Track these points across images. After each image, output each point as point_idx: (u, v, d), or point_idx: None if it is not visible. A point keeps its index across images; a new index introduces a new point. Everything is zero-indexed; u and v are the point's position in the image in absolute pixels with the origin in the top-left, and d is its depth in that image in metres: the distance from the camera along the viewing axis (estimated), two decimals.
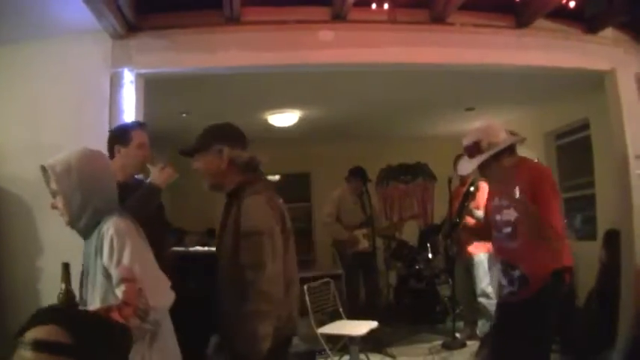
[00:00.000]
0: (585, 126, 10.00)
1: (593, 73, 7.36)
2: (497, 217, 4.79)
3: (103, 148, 4.91)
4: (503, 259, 4.82)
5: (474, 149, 4.80)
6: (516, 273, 4.66)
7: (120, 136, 4.80)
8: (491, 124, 5.01)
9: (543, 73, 7.40)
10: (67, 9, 5.54)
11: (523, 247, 4.66)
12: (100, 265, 3.31)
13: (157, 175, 4.45)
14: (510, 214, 4.66)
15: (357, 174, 9.67)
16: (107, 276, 3.29)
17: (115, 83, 6.01)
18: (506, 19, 7.03)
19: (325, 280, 8.44)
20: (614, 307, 7.25)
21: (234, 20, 6.39)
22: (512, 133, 4.99)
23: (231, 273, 3.63)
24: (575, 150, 10.65)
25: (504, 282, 4.81)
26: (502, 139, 4.79)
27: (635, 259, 7.00)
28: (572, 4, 6.15)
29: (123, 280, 3.16)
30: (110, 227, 3.31)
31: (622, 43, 7.38)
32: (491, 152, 4.70)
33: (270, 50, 6.54)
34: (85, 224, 3.42)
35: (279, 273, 3.66)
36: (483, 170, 4.87)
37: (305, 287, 7.84)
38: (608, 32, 7.31)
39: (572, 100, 9.70)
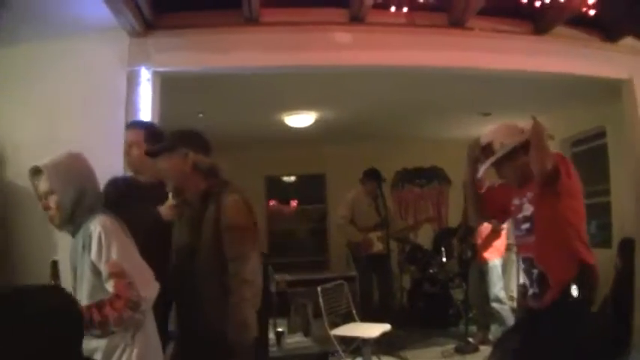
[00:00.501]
0: (602, 134, 9.98)
1: (610, 82, 7.35)
2: (519, 216, 4.66)
3: (117, 145, 4.94)
4: (525, 257, 4.66)
5: (487, 151, 4.74)
6: (535, 271, 4.43)
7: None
8: (507, 124, 4.94)
9: (560, 80, 7.39)
10: (85, 7, 5.58)
11: (540, 241, 4.47)
12: (88, 261, 3.40)
13: (165, 211, 4.41)
14: (528, 209, 4.54)
15: (372, 175, 9.64)
16: (95, 272, 3.38)
17: (132, 81, 6.02)
18: (524, 26, 7.03)
19: (339, 282, 8.44)
20: (629, 314, 7.24)
21: (252, 21, 6.41)
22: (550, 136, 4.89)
23: (214, 267, 3.81)
24: (591, 157, 10.61)
25: (527, 282, 4.63)
26: (516, 139, 4.63)
27: None
28: (591, 13, 6.15)
29: (113, 274, 3.29)
30: (97, 225, 3.41)
31: None
32: (501, 153, 4.61)
33: (287, 51, 6.56)
34: (77, 222, 3.51)
35: (258, 264, 3.93)
36: (500, 171, 4.81)
37: (319, 289, 7.85)
38: (627, 41, 7.30)
39: (588, 108, 9.67)
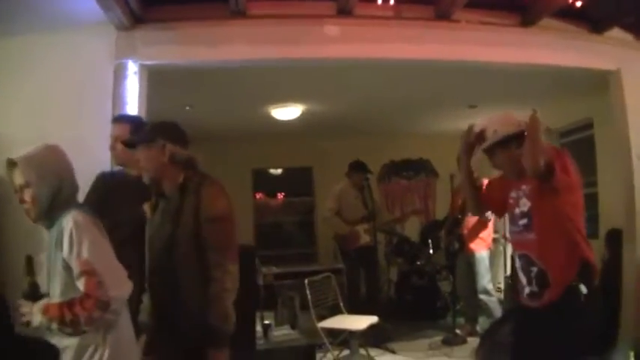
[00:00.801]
0: (589, 125, 10.01)
1: (598, 73, 7.37)
2: (516, 211, 4.51)
3: (105, 138, 4.92)
4: (521, 254, 4.48)
5: (480, 137, 4.64)
6: (534, 269, 4.26)
7: None
8: (505, 113, 4.78)
9: (548, 71, 7.41)
10: (74, 1, 5.56)
11: (540, 238, 4.30)
12: (60, 257, 3.37)
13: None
14: (525, 204, 4.41)
15: (358, 168, 9.68)
16: (67, 269, 3.35)
17: (119, 74, 6.00)
18: (511, 18, 7.03)
19: (326, 274, 8.45)
20: (616, 305, 7.27)
21: (239, 14, 6.39)
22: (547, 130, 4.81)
23: (194, 257, 3.82)
24: (579, 149, 10.63)
25: (524, 281, 4.41)
26: (512, 129, 4.50)
27: (636, 257, 7.01)
28: (578, 4, 6.17)
29: (83, 273, 3.26)
30: (69, 221, 3.36)
31: (628, 44, 7.38)
32: (491, 141, 4.52)
33: (275, 44, 6.55)
34: (53, 216, 3.48)
35: (237, 254, 3.94)
36: (493, 160, 4.67)
37: (306, 281, 7.86)
38: (615, 32, 7.31)
39: (576, 99, 9.70)
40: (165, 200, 4.07)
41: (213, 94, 9.10)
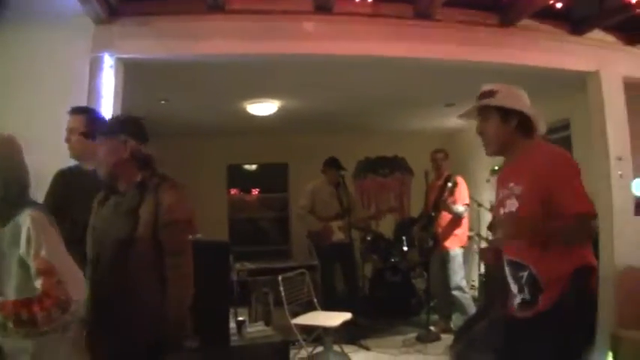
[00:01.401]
0: (566, 126, 10.03)
1: (576, 74, 7.40)
2: (501, 211, 4.13)
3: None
4: (510, 259, 4.07)
5: (487, 95, 4.23)
6: (525, 275, 3.88)
7: None
8: (521, 90, 4.39)
9: (526, 72, 7.41)
10: None
11: (530, 241, 3.89)
12: (16, 255, 3.30)
13: None
14: (513, 205, 4.00)
15: (332, 164, 9.70)
16: (24, 267, 3.29)
17: (95, 67, 5.97)
18: (491, 17, 7.06)
19: (300, 270, 8.45)
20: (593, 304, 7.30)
21: (217, 8, 6.38)
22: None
23: (151, 256, 3.82)
24: None
25: (514, 289, 4.03)
26: (518, 105, 4.19)
27: (614, 256, 7.06)
28: (559, 5, 6.19)
29: (41, 272, 3.20)
30: (27, 219, 3.31)
31: (608, 45, 7.42)
32: (496, 102, 4.13)
33: (252, 40, 6.53)
34: (4, 213, 3.39)
35: (192, 258, 4.00)
36: (482, 124, 4.23)
37: (280, 278, 7.86)
38: (595, 34, 7.35)
39: (553, 100, 9.70)
40: (118, 196, 4.03)
41: (189, 89, 9.06)
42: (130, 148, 3.98)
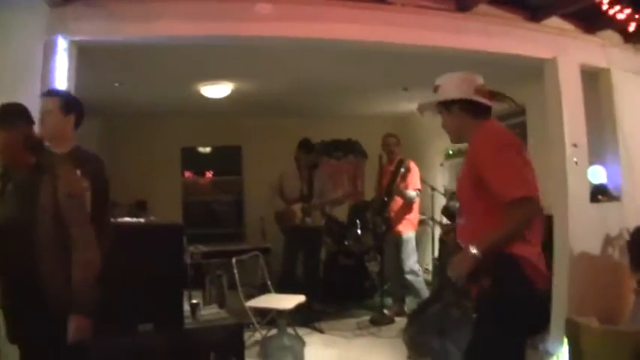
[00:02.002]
0: (521, 111, 10.08)
1: (533, 61, 7.42)
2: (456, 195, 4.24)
3: (34, 115, 4.84)
4: (459, 242, 4.10)
5: (434, 91, 4.42)
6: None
7: None
8: (466, 75, 4.45)
9: (483, 58, 7.43)
10: None
11: (469, 224, 4.08)
12: None
13: None
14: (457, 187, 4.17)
15: (304, 146, 9.77)
16: None
17: (49, 51, 5.87)
18: (447, 2, 7.03)
19: (254, 253, 8.47)
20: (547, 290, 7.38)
21: None
22: (492, 93, 4.45)
23: (56, 233, 3.91)
24: None
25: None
26: (455, 93, 4.29)
27: (568, 243, 7.12)
28: None
29: None
30: None
31: (566, 33, 7.45)
32: (437, 97, 4.36)
33: (206, 21, 6.45)
34: None
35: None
36: (442, 120, 4.42)
37: (234, 260, 7.87)
38: (552, 21, 7.37)
39: (509, 86, 9.67)
40: (15, 183, 4.12)
41: (143, 71, 8.97)
42: (24, 134, 4.09)
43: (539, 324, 4.39)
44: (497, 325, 3.78)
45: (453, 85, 4.35)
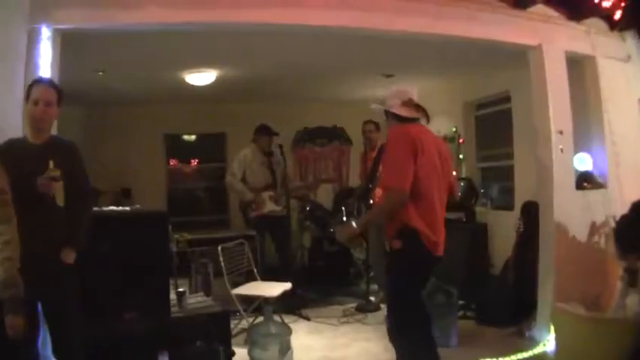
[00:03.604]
0: (506, 98, 10.09)
1: (518, 47, 7.42)
2: None
3: (17, 105, 4.82)
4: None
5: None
6: None
7: (26, 91, 4.80)
8: (399, 90, 5.66)
9: (468, 44, 7.43)
10: None
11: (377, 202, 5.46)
12: None
13: (43, 182, 4.49)
14: None
15: (264, 131, 9.68)
16: None
17: (33, 39, 5.82)
18: None
19: (239, 241, 8.45)
20: (532, 277, 7.42)
21: None
22: (417, 106, 5.52)
23: None
24: (495, 121, 10.76)
25: None
26: (391, 103, 5.54)
27: (554, 231, 7.14)
28: None
29: None
30: None
31: (551, 20, 7.44)
32: (378, 106, 5.70)
33: (189, 8, 6.40)
34: None
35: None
36: None
37: (219, 248, 7.85)
38: (537, 8, 7.36)
39: (494, 72, 9.77)
40: None
41: (126, 59, 8.91)
42: None
43: (427, 276, 5.65)
44: (402, 269, 5.28)
45: (388, 98, 5.60)
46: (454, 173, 6.34)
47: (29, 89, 4.73)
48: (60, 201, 4.54)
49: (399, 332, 5.33)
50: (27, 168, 4.42)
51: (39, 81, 4.85)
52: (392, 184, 5.08)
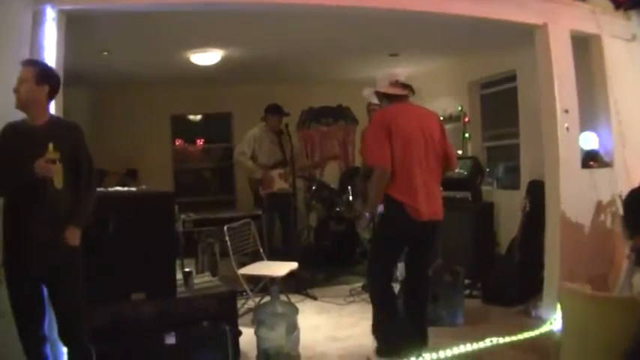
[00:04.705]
0: (512, 77, 10.06)
1: (524, 27, 7.40)
2: None
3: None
4: None
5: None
6: None
7: None
8: (388, 73, 6.51)
9: (473, 23, 7.40)
10: None
11: None
12: None
13: (41, 165, 4.39)
14: None
15: (274, 111, 9.69)
16: None
17: (37, 20, 5.80)
18: None
19: (245, 220, 8.44)
20: (538, 256, 7.42)
21: None
22: (404, 86, 6.33)
23: None
24: (501, 100, 10.73)
25: None
26: (380, 85, 6.41)
27: (560, 210, 7.14)
28: None
29: None
30: None
31: None
32: (371, 89, 6.61)
33: None
34: None
35: None
36: None
37: (225, 228, 7.85)
38: None
39: (499, 51, 9.73)
40: None
41: (131, 39, 8.89)
42: None
43: (410, 239, 6.24)
44: (382, 230, 6.45)
45: (378, 81, 6.46)
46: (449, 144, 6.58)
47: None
48: (58, 183, 4.51)
49: (370, 279, 6.70)
50: (27, 151, 4.39)
51: (25, 62, 4.81)
52: (374, 162, 5.99)
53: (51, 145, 4.38)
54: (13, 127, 4.63)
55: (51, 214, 4.49)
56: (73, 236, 4.58)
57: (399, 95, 6.26)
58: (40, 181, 4.39)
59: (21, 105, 4.61)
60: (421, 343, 6.13)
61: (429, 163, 6.07)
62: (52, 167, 4.39)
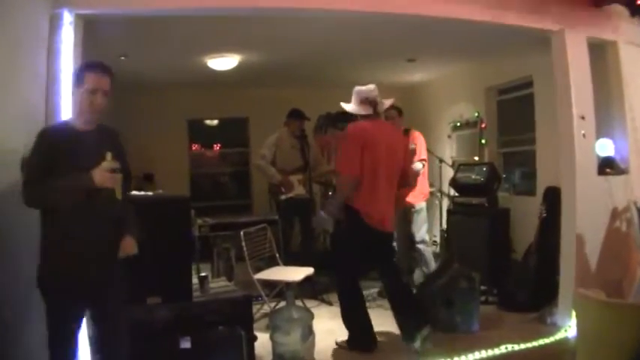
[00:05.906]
0: (529, 83, 10.05)
1: (540, 32, 7.39)
2: None
3: (38, 90, 4.80)
4: None
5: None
6: None
7: (74, 76, 4.62)
8: (361, 91, 7.33)
9: (490, 29, 7.40)
10: None
11: None
12: None
13: (103, 175, 4.10)
14: None
15: (296, 115, 9.78)
16: None
17: (55, 25, 5.81)
18: None
19: (262, 225, 8.46)
20: (554, 263, 7.41)
21: None
22: (374, 103, 7.04)
23: None
24: (518, 106, 10.72)
25: None
26: (353, 101, 7.27)
27: (576, 216, 7.14)
28: None
29: None
30: None
31: (573, 5, 7.39)
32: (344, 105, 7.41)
33: None
34: None
35: None
36: None
37: (241, 233, 7.87)
38: None
39: (516, 57, 9.72)
40: None
41: (149, 44, 8.94)
42: None
43: (372, 252, 6.94)
44: (342, 238, 7.20)
45: (352, 98, 7.26)
46: (413, 163, 8.23)
47: (82, 74, 4.43)
48: (119, 194, 4.26)
49: (337, 287, 7.38)
50: (83, 159, 4.14)
51: (94, 67, 4.48)
52: (344, 172, 6.72)
53: (109, 154, 4.15)
54: (57, 132, 4.37)
55: (108, 228, 4.29)
56: (132, 248, 4.47)
57: (370, 113, 7.00)
58: (96, 192, 4.12)
59: (97, 116, 4.43)
60: (423, 324, 6.61)
61: (391, 178, 6.82)
62: (115, 177, 4.16)
